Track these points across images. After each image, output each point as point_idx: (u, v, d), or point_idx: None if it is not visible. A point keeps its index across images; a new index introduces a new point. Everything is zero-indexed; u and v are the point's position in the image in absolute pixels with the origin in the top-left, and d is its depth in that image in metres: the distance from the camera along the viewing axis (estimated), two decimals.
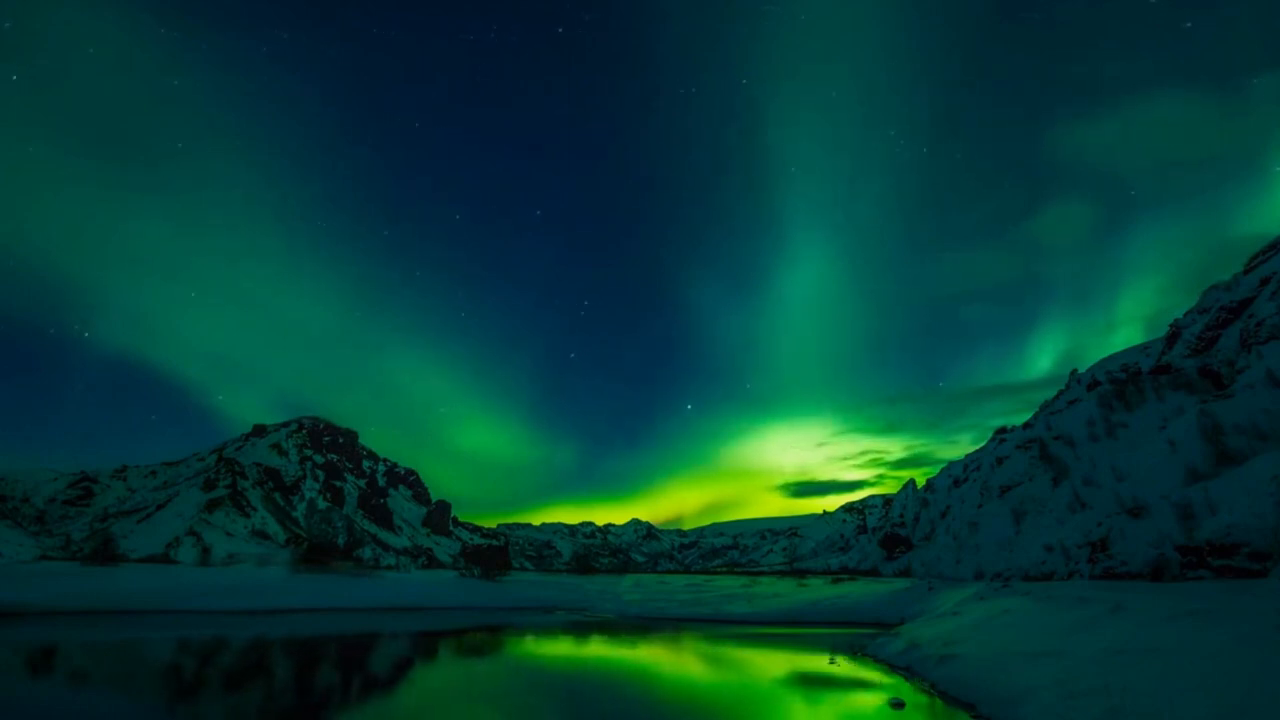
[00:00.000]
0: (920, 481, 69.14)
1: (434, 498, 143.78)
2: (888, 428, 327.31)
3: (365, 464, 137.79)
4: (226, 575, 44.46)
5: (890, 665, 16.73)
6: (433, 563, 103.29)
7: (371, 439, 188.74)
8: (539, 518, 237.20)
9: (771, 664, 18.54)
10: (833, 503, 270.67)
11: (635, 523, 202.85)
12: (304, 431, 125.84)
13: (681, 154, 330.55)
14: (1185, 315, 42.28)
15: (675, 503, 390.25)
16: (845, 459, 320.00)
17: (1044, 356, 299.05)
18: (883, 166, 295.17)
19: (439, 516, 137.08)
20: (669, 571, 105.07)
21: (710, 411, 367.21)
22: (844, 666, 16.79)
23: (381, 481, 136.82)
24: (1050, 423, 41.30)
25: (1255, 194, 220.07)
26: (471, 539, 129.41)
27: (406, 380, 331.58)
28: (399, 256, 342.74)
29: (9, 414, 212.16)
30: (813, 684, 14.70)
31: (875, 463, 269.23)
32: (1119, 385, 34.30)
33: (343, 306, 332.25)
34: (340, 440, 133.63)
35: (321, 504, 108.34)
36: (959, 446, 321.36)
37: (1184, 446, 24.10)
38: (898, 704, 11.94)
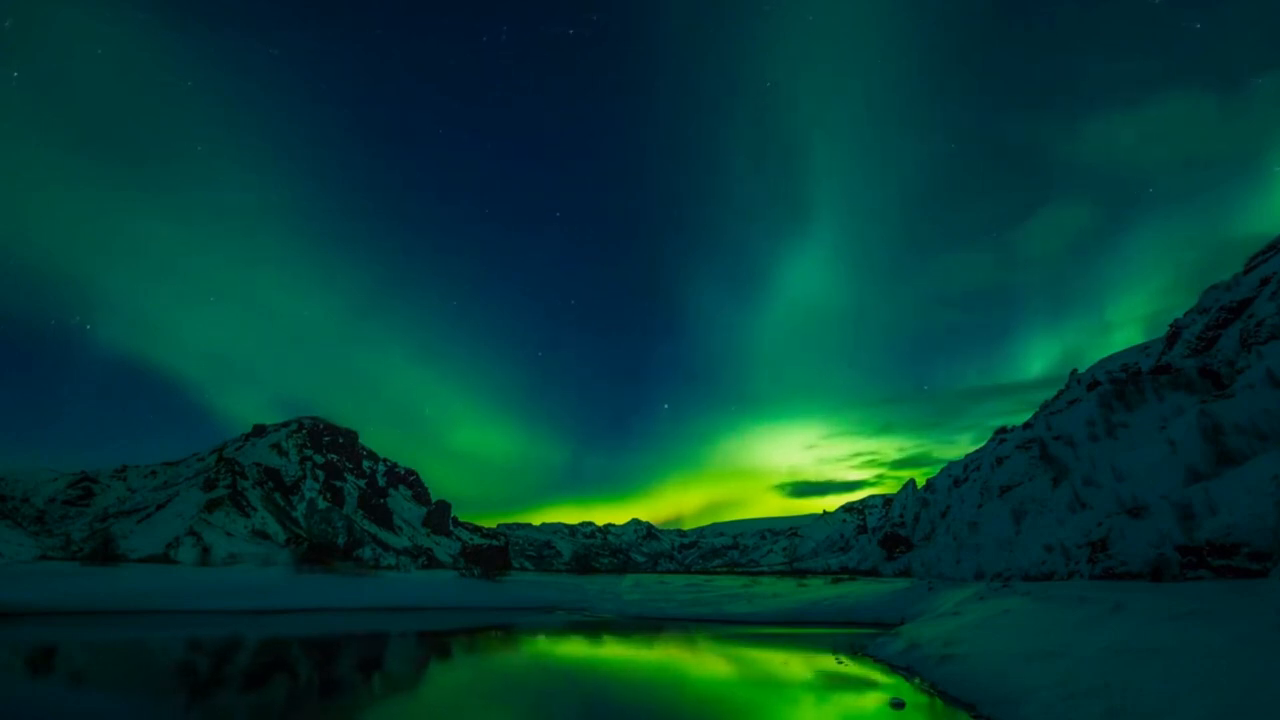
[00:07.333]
0: (920, 481, 69.10)
1: (434, 498, 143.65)
2: (888, 428, 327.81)
3: (365, 464, 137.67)
4: (226, 575, 44.44)
5: (890, 665, 16.73)
6: (433, 563, 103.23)
7: (371, 439, 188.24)
8: (539, 518, 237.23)
9: (771, 663, 18.54)
10: (833, 503, 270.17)
11: (635, 523, 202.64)
12: (304, 431, 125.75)
13: (681, 156, 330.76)
14: (1185, 315, 42.23)
15: (675, 503, 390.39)
16: (845, 459, 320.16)
17: (1044, 357, 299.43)
18: (883, 166, 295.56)
19: (439, 516, 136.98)
20: (669, 571, 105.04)
21: (710, 411, 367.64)
22: (844, 666, 16.79)
23: (381, 481, 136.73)
24: (1050, 423, 41.27)
25: (1255, 194, 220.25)
26: (471, 539, 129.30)
27: (407, 380, 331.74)
28: (399, 256, 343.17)
29: (9, 414, 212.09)
30: (813, 683, 14.70)
31: (875, 463, 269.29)
32: (1119, 385, 34.27)
33: (342, 306, 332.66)
34: (340, 440, 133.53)
35: (321, 504, 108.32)
36: (959, 446, 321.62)
37: (1184, 446, 24.08)
38: (898, 704, 11.94)
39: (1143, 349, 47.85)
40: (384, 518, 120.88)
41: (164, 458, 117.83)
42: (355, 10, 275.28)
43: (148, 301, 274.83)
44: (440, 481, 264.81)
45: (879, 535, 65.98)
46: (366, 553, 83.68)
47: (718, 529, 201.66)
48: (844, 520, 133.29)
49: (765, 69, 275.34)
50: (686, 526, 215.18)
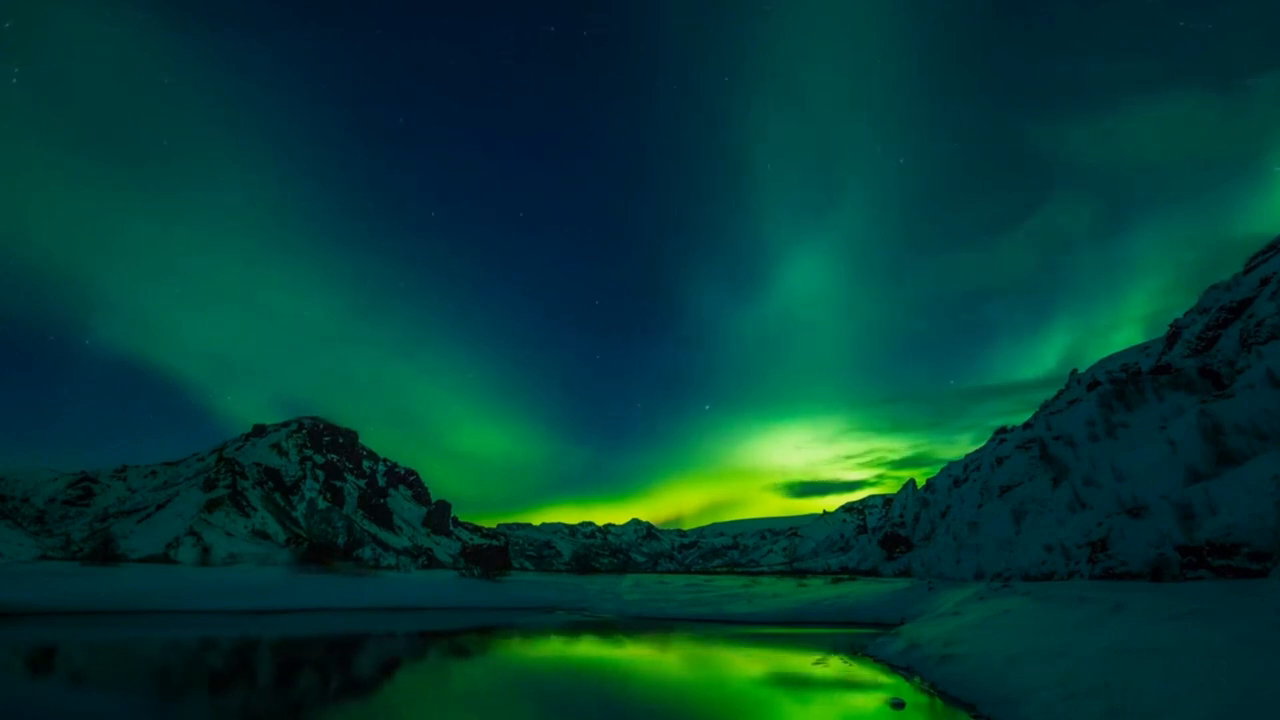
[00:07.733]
0: (920, 481, 69.12)
1: (434, 498, 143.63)
2: (888, 428, 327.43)
3: (365, 464, 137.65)
4: (226, 575, 44.44)
5: (890, 665, 16.73)
6: (433, 563, 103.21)
7: (371, 439, 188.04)
8: (539, 518, 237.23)
9: (771, 664, 18.54)
10: (833, 503, 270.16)
11: (635, 523, 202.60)
12: (304, 431, 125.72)
13: (681, 156, 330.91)
14: (1185, 315, 42.22)
15: (675, 503, 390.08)
16: (845, 459, 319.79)
17: (1044, 356, 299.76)
18: (883, 166, 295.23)
19: (439, 516, 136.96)
20: (669, 571, 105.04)
21: (710, 411, 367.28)
22: (844, 666, 16.79)
23: (381, 481, 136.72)
24: (1050, 423, 41.26)
25: (1255, 194, 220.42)
26: (471, 539, 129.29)
27: (407, 380, 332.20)
28: (399, 256, 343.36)
29: (9, 414, 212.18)
30: (813, 683, 14.70)
31: (875, 463, 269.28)
32: (1119, 385, 34.26)
33: (342, 306, 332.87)
34: (340, 440, 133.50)
35: (321, 504, 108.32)
36: (959, 446, 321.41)
37: (1184, 446, 24.07)
38: (898, 704, 11.94)
39: (1143, 349, 47.85)
40: (384, 518, 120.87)
41: (164, 458, 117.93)
42: (355, 10, 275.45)
43: (148, 301, 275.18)
44: (440, 481, 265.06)
45: (879, 535, 65.97)
46: (366, 553, 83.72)
47: (718, 529, 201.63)
48: (844, 520, 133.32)
49: (765, 69, 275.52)
50: (686, 526, 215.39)
